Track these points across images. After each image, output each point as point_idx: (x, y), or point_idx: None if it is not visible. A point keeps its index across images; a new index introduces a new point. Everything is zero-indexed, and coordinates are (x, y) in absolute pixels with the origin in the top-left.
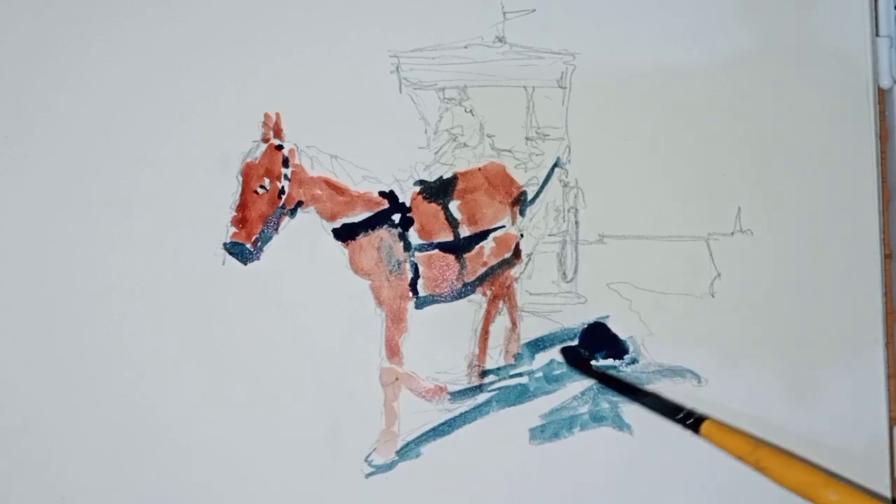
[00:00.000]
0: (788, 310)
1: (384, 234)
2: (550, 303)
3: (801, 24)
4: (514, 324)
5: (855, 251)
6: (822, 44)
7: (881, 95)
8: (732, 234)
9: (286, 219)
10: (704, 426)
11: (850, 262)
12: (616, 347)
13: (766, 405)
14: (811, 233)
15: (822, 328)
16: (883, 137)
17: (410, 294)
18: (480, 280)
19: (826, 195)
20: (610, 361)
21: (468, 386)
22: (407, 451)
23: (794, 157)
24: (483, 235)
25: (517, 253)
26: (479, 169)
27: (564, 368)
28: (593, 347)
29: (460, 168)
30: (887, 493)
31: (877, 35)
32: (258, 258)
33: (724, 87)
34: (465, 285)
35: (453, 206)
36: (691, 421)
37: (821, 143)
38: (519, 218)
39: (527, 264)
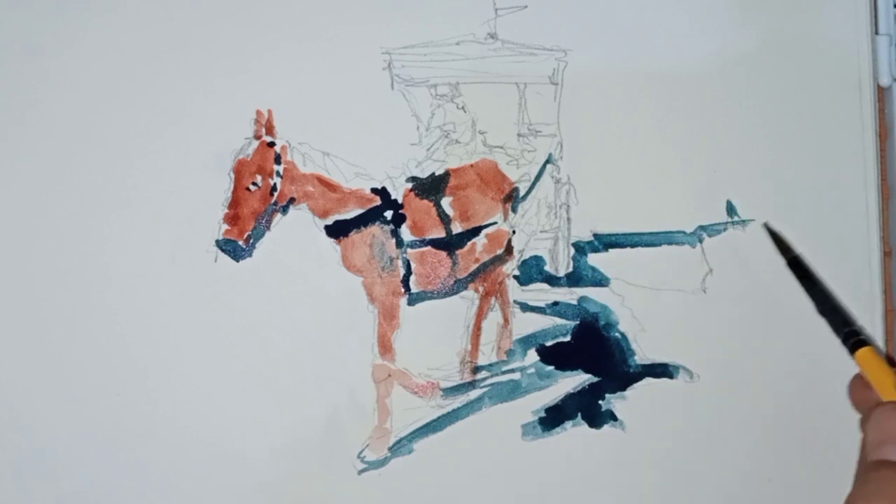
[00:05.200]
0: (784, 306)
1: (376, 231)
2: (542, 299)
3: (799, 22)
4: (506, 320)
5: (854, 248)
6: (821, 41)
7: (880, 93)
8: (725, 229)
9: (278, 216)
10: (862, 352)
11: (850, 260)
12: (606, 345)
13: (761, 403)
14: (809, 230)
15: (820, 325)
16: (882, 136)
17: (403, 290)
18: (472, 276)
19: (825, 193)
20: None
21: (460, 382)
22: (399, 447)
23: (792, 154)
24: (475, 232)
25: (509, 249)
26: (472, 165)
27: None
28: (585, 345)
29: (452, 165)
30: None
31: (876, 33)
32: (250, 255)
33: (720, 84)
34: (457, 282)
35: (445, 202)
36: (853, 341)
37: (820, 141)
38: (511, 214)
39: (519, 260)
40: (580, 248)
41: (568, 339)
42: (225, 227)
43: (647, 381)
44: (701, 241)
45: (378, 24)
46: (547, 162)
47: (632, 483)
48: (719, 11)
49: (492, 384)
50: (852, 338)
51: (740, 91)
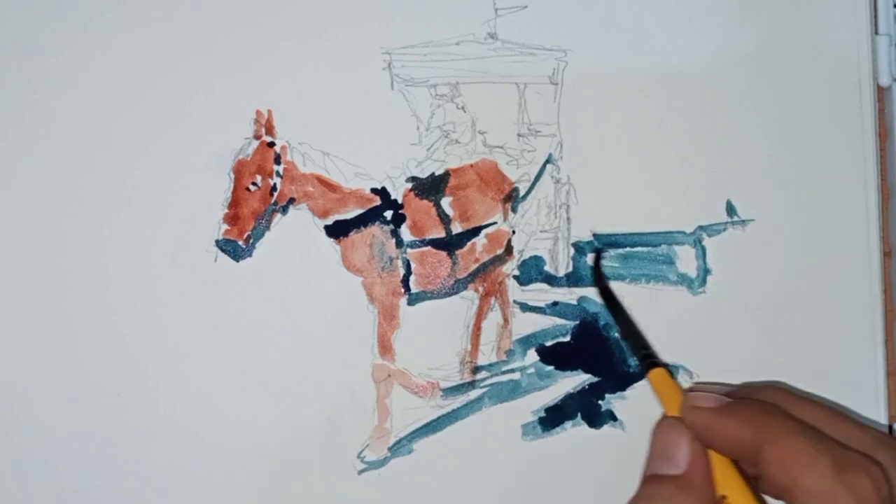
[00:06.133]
0: (785, 307)
1: (376, 231)
2: (542, 299)
3: (798, 22)
4: (505, 320)
5: (854, 249)
6: (821, 41)
7: (880, 94)
8: (725, 229)
9: (278, 216)
10: (654, 372)
11: (850, 260)
12: (606, 345)
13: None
14: (809, 231)
15: (820, 326)
16: (882, 136)
17: (403, 290)
18: (472, 276)
19: (825, 193)
20: None
21: (460, 382)
22: (399, 447)
23: (792, 155)
24: (475, 232)
25: (509, 249)
26: (471, 165)
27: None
28: (585, 345)
29: (452, 165)
30: None
31: (876, 33)
32: (250, 255)
33: (719, 84)
34: (456, 282)
35: (445, 202)
36: (647, 362)
37: (819, 141)
38: (511, 214)
39: (519, 260)
40: (580, 248)
41: (568, 339)
42: (225, 227)
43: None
44: (701, 241)
45: (378, 24)
46: (547, 162)
47: (632, 483)
48: (719, 11)
49: (492, 384)
50: (647, 359)
51: (740, 91)
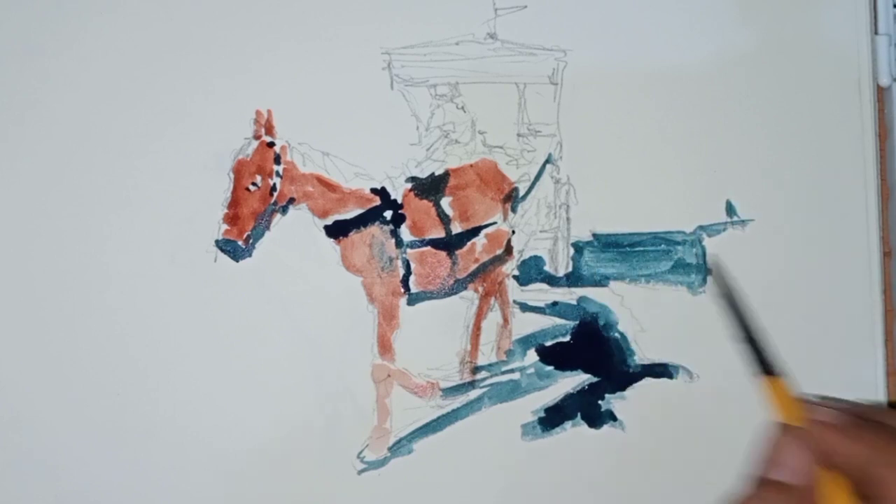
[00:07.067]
0: (785, 307)
1: (376, 231)
2: (542, 299)
3: (798, 22)
4: (505, 320)
5: (854, 249)
6: (821, 41)
7: (880, 93)
8: (725, 229)
9: (278, 216)
10: (772, 383)
11: (850, 260)
12: (606, 345)
13: (761, 403)
14: (809, 231)
15: (820, 326)
16: (882, 135)
17: (402, 290)
18: (472, 276)
19: (825, 193)
20: None
21: (460, 382)
22: (399, 447)
23: (792, 155)
24: (475, 232)
25: (509, 249)
26: (471, 165)
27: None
28: (584, 344)
29: (452, 165)
30: None
31: (876, 33)
32: (250, 255)
33: (719, 84)
34: (456, 282)
35: (445, 202)
36: (766, 371)
37: (819, 141)
38: (510, 214)
39: (518, 261)
40: (580, 248)
41: (567, 339)
42: (224, 227)
43: (647, 381)
44: (701, 241)
45: (378, 24)
46: (546, 162)
47: (632, 483)
48: (719, 11)
49: (491, 384)
50: (766, 369)
51: (740, 91)
